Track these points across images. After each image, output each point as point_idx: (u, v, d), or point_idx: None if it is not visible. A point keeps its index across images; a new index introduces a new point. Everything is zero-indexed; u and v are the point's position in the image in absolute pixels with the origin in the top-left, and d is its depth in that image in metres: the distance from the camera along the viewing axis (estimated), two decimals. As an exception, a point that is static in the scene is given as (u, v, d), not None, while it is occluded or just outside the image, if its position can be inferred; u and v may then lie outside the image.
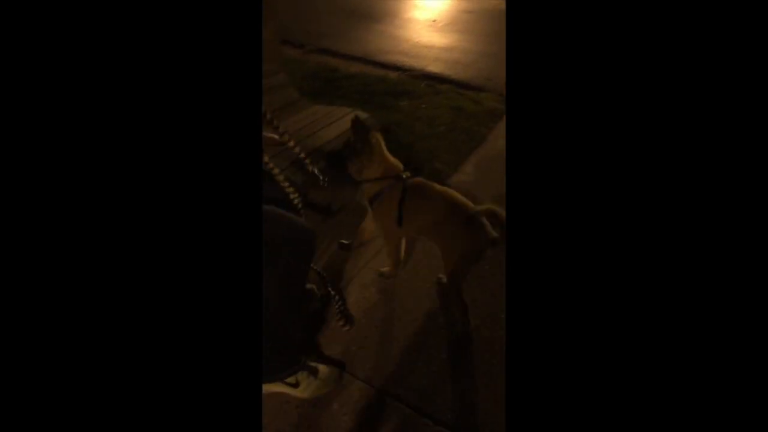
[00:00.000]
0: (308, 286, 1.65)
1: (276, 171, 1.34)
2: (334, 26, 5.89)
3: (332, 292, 1.68)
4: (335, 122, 2.17)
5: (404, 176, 1.59)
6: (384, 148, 1.64)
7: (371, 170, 1.62)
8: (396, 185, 1.59)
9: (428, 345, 1.58)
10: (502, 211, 1.44)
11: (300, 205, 1.40)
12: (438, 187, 1.57)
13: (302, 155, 1.48)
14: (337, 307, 1.65)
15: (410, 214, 1.58)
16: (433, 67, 4.44)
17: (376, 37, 5.47)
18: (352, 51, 4.86)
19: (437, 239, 1.59)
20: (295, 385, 1.37)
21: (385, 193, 1.60)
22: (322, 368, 1.42)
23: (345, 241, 2.00)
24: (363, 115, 2.27)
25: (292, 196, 1.38)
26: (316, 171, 1.56)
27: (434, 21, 6.26)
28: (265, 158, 1.31)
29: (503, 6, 4.35)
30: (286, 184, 1.37)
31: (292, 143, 1.41)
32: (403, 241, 1.83)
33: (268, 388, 1.38)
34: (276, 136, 1.38)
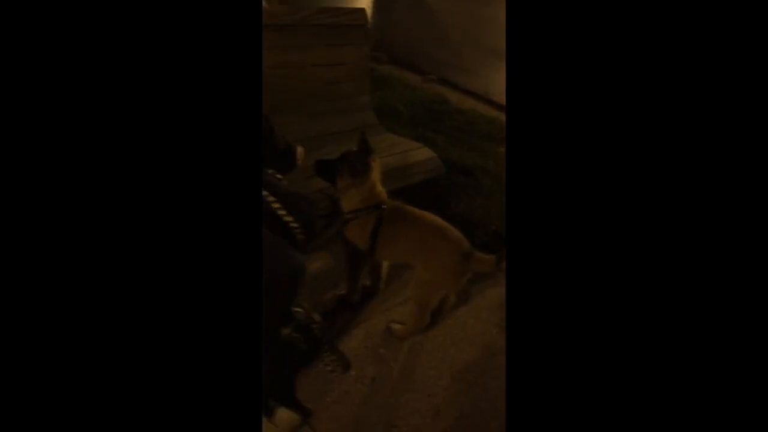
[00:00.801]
0: (294, 324, 1.57)
1: (277, 205, 1.31)
2: (466, 60, 5.83)
3: (316, 331, 1.57)
4: (394, 155, 2.06)
5: (383, 206, 1.54)
6: (377, 175, 1.57)
7: (356, 194, 1.55)
8: (372, 213, 1.54)
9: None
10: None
11: (301, 236, 1.33)
12: (416, 211, 1.55)
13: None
14: (326, 351, 1.54)
15: (387, 240, 1.54)
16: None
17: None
18: (473, 87, 4.74)
19: (419, 261, 1.55)
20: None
21: (360, 219, 1.55)
22: (282, 412, 1.31)
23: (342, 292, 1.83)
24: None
25: (294, 230, 1.33)
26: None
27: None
28: (265, 192, 1.29)
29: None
30: (290, 218, 1.33)
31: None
32: (385, 265, 1.79)
33: None
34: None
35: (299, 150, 1.69)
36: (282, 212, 1.36)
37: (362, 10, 2.13)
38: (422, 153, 2.03)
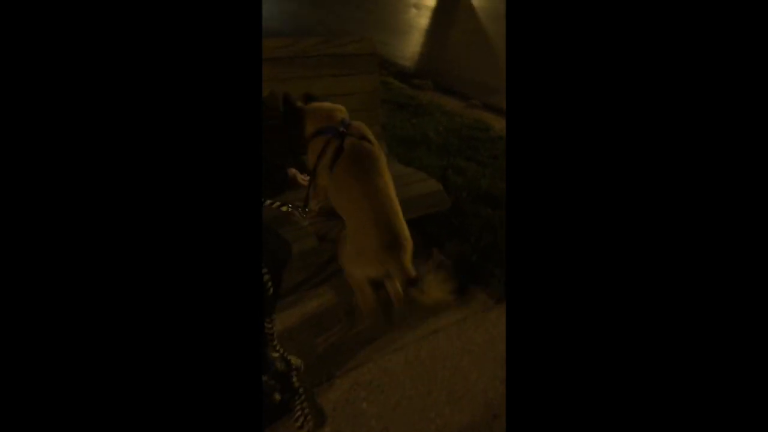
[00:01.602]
0: (272, 371, 1.46)
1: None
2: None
3: (295, 379, 1.45)
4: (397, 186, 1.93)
5: (341, 130, 1.52)
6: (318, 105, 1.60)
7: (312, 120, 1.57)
8: (326, 136, 1.52)
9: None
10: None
11: (270, 290, 1.24)
12: (377, 166, 1.49)
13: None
14: (299, 401, 1.41)
15: (336, 175, 1.49)
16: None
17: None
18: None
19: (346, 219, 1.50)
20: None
21: (316, 139, 1.55)
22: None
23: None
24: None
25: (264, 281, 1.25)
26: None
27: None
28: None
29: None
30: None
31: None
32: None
33: None
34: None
35: (291, 171, 1.64)
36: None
37: (369, 38, 2.07)
38: (427, 185, 1.89)
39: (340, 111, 1.62)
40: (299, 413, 1.39)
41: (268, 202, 1.46)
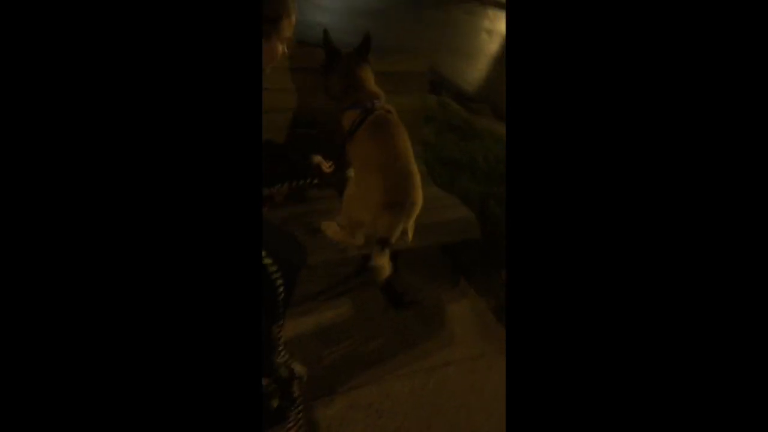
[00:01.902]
0: (275, 375, 1.45)
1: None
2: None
3: (294, 388, 1.42)
4: (431, 209, 1.88)
5: (368, 106, 1.56)
6: (365, 74, 1.63)
7: (346, 94, 1.61)
8: (358, 110, 1.56)
9: None
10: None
11: (281, 294, 1.24)
12: (397, 132, 1.54)
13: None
14: (294, 413, 1.39)
15: (358, 139, 1.54)
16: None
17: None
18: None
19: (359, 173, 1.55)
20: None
21: (349, 112, 1.59)
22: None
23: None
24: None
25: (276, 284, 1.25)
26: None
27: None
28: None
29: None
30: (273, 268, 1.26)
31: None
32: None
33: None
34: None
35: (316, 159, 1.63)
36: (266, 259, 1.28)
37: (424, 57, 2.05)
38: (459, 212, 1.83)
39: (377, 94, 1.65)
40: (292, 424, 1.37)
41: (278, 186, 1.52)
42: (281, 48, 1.28)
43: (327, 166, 1.67)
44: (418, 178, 1.53)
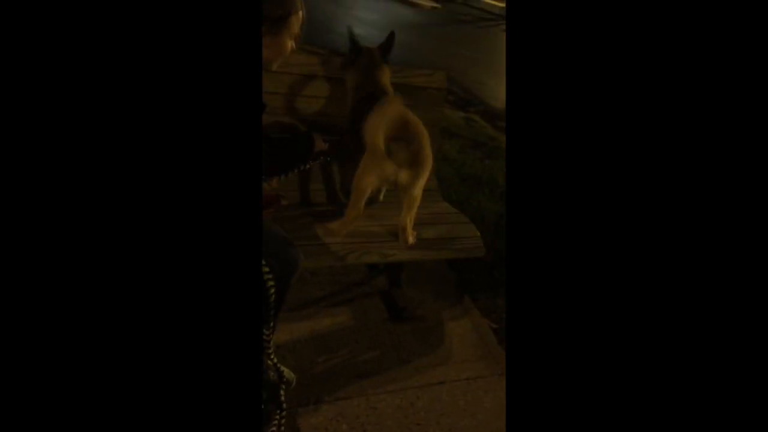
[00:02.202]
0: (264, 378, 1.45)
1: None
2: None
3: (282, 392, 1.42)
4: (440, 224, 1.86)
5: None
6: (382, 72, 1.68)
7: (361, 87, 1.66)
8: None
9: None
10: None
11: (273, 296, 1.25)
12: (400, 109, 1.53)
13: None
14: (278, 418, 1.38)
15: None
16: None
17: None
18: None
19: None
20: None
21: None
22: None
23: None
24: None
25: (268, 286, 1.26)
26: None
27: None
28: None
29: None
30: (266, 269, 1.27)
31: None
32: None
33: None
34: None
35: (318, 139, 1.63)
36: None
37: (441, 73, 2.05)
38: (465, 229, 1.81)
39: (389, 91, 1.69)
40: (275, 428, 1.37)
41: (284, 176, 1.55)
42: (290, 44, 1.31)
43: (322, 141, 1.67)
44: (429, 143, 1.58)
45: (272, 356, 1.44)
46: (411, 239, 1.66)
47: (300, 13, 1.28)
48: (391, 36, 1.73)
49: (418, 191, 1.58)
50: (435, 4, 8.95)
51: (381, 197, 1.90)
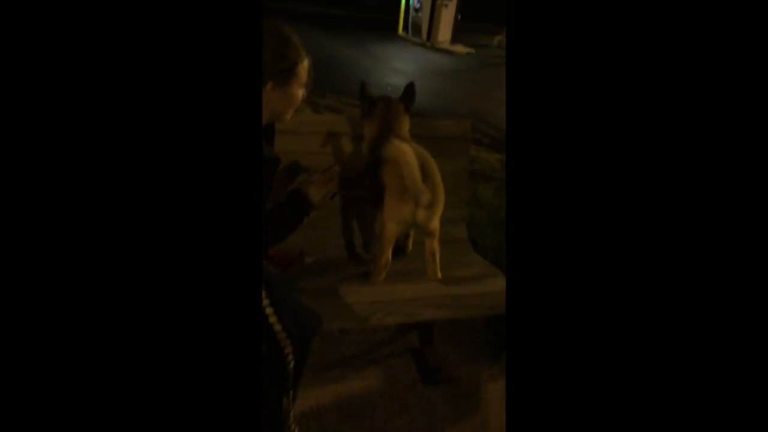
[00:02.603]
0: None
1: (269, 311, 1.22)
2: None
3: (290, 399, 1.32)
4: (466, 279, 1.77)
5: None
6: (401, 120, 1.68)
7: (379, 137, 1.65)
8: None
9: None
10: None
11: (291, 363, 1.21)
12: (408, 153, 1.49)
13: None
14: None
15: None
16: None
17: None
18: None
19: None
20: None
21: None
22: None
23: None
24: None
25: (285, 353, 1.21)
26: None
27: None
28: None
29: None
30: (282, 335, 1.23)
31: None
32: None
33: None
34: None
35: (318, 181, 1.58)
36: (276, 325, 1.25)
37: (467, 122, 2.02)
38: (496, 284, 1.70)
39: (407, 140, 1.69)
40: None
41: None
42: (301, 92, 1.31)
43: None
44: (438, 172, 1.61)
45: (292, 427, 1.36)
46: (439, 273, 1.67)
47: (305, 61, 1.28)
48: (410, 86, 1.74)
49: (436, 223, 1.62)
50: (469, 50, 9.10)
51: (410, 246, 1.84)
